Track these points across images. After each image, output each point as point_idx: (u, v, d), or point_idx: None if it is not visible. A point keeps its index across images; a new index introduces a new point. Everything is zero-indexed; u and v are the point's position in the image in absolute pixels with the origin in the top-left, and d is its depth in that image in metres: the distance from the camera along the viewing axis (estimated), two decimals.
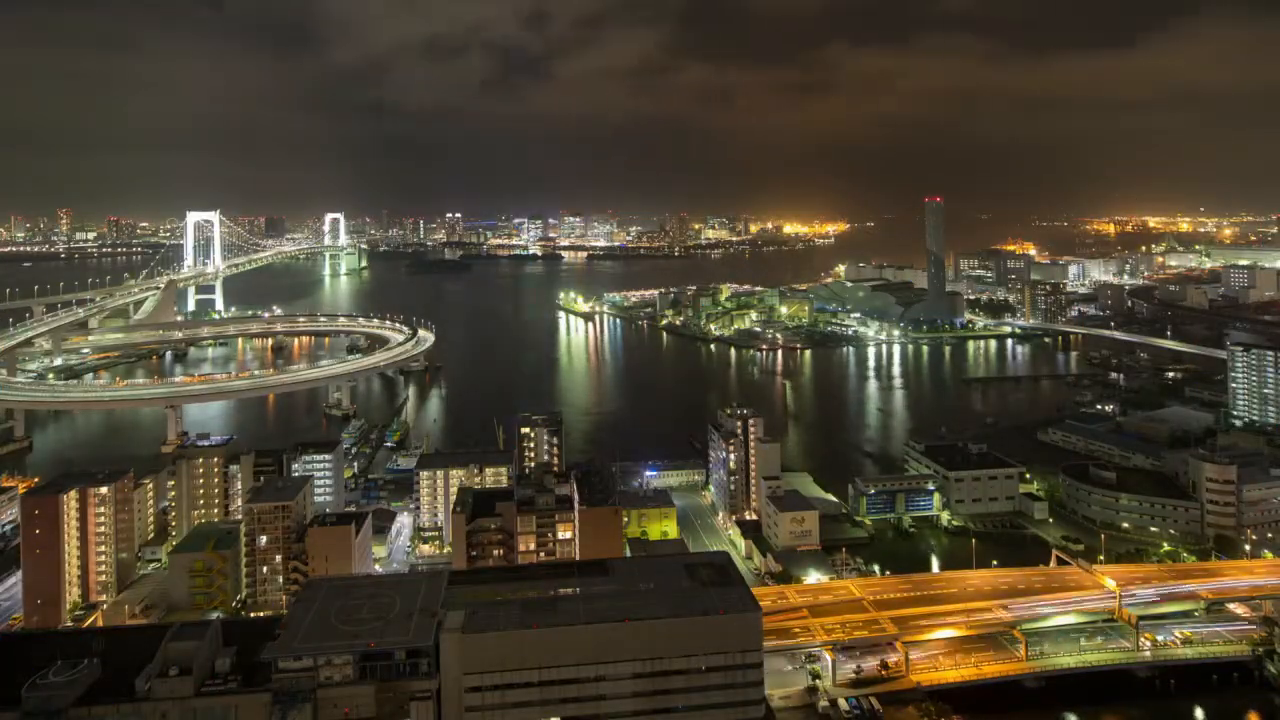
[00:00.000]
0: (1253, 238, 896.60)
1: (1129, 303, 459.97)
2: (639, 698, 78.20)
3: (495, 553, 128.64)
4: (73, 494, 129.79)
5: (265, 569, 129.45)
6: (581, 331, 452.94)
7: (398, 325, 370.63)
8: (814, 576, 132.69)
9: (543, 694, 76.87)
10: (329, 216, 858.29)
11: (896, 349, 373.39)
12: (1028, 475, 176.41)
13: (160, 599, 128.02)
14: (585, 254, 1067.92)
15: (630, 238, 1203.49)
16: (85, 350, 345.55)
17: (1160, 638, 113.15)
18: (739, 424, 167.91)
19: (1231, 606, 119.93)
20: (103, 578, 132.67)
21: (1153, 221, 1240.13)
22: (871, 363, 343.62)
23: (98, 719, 70.57)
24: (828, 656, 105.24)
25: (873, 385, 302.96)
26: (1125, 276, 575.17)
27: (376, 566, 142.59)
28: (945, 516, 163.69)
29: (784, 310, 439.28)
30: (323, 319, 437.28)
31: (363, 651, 74.62)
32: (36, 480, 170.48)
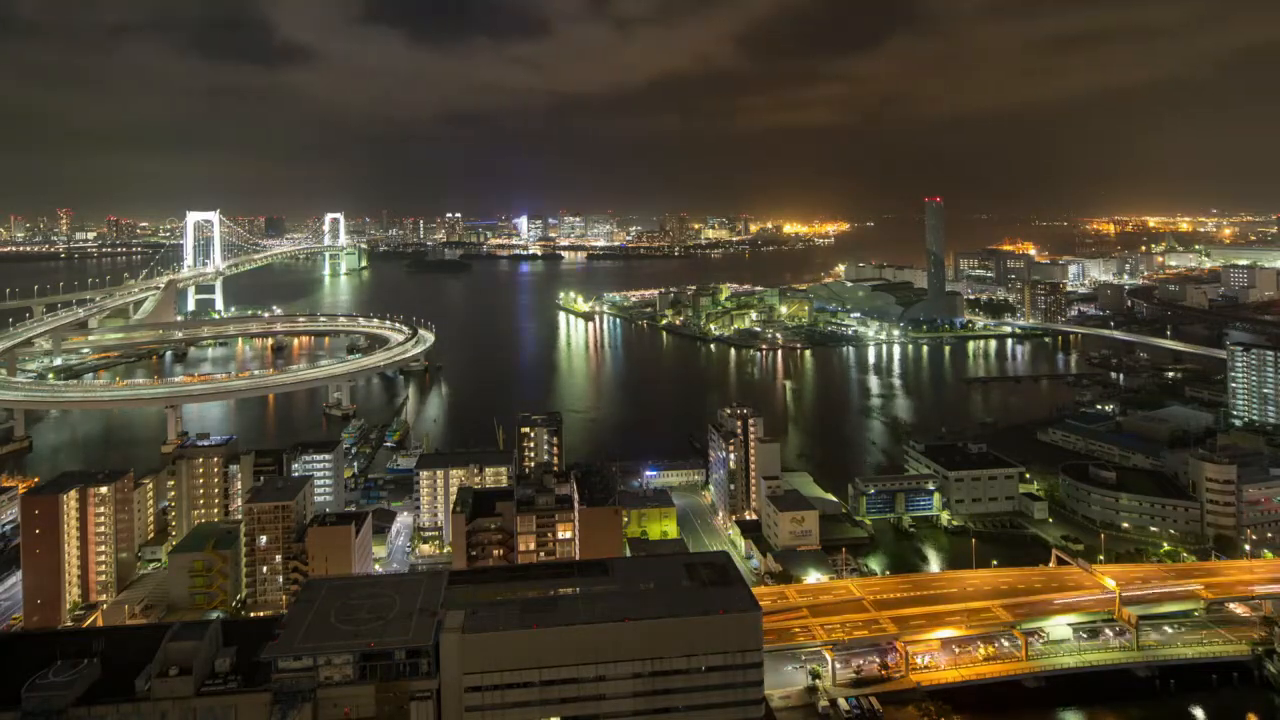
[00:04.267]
0: (1253, 238, 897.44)
1: (1129, 302, 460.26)
2: (639, 698, 78.07)
3: (495, 553, 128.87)
4: (73, 494, 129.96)
5: (265, 569, 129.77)
6: (581, 331, 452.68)
7: (398, 325, 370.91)
8: (814, 576, 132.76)
9: (543, 694, 76.73)
10: (329, 216, 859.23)
11: (896, 349, 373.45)
12: (1028, 475, 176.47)
13: (160, 599, 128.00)
14: (585, 254, 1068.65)
15: (630, 238, 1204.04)
16: (85, 350, 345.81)
17: (1159, 636, 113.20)
18: (739, 424, 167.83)
19: (1231, 606, 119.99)
20: (103, 578, 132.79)
21: (1153, 221, 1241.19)
22: (871, 363, 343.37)
23: (98, 719, 70.49)
24: (828, 656, 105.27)
25: (873, 385, 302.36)
26: (1125, 276, 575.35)
27: (376, 566, 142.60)
28: (945, 516, 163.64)
29: (784, 310, 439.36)
30: (323, 319, 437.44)
31: (363, 651, 74.56)
32: (36, 480, 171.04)
